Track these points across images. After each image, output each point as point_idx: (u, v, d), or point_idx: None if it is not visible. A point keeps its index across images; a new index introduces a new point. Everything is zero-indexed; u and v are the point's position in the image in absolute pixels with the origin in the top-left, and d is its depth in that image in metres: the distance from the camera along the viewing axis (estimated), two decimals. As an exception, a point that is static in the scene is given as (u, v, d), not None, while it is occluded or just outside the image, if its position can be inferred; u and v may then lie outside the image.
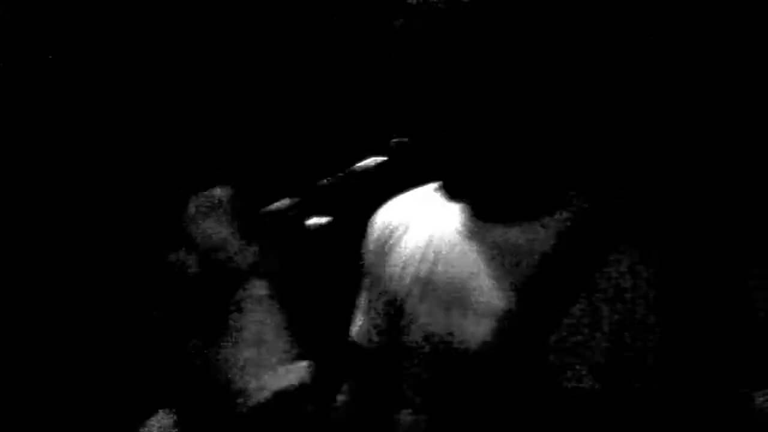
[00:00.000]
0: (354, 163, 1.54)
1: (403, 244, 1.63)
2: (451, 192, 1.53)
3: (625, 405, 1.42)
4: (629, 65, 2.33)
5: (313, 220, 1.43)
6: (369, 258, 1.69)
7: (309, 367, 1.61)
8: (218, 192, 1.56)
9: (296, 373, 1.58)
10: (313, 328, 1.73)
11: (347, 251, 1.76)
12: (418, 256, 1.61)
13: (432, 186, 1.61)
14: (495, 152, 1.45)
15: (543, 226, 1.50)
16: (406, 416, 1.59)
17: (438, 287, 1.55)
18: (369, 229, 1.70)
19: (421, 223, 1.62)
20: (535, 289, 1.47)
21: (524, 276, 1.48)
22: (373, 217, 1.70)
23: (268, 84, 2.75)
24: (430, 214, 1.61)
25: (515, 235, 1.50)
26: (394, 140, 1.56)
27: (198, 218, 1.53)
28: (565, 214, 1.51)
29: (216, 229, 1.56)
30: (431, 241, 1.59)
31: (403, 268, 1.61)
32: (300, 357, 1.64)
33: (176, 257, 1.55)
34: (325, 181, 1.50)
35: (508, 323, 1.48)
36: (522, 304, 1.48)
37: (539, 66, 1.43)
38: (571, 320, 1.44)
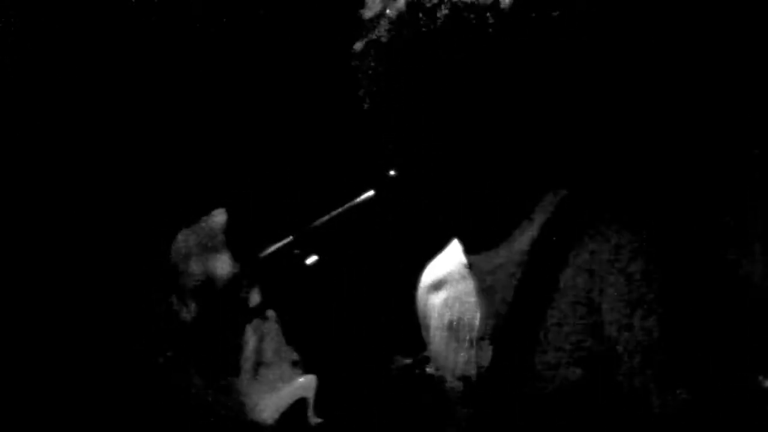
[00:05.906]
0: (349, 199, 1.59)
1: (434, 299, 1.80)
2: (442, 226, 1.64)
3: (612, 398, 1.52)
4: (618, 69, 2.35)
5: (312, 259, 1.50)
6: (419, 308, 1.86)
7: (311, 382, 1.65)
8: (214, 223, 1.58)
9: (299, 388, 1.62)
10: (315, 353, 1.82)
11: (345, 284, 1.86)
12: (447, 306, 1.74)
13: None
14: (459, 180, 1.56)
15: (514, 241, 1.59)
16: None
17: (459, 323, 1.68)
18: (418, 285, 1.87)
19: (452, 276, 1.74)
20: (512, 311, 1.58)
21: (501, 299, 1.60)
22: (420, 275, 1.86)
23: (260, 122, 2.78)
24: (455, 263, 1.73)
25: (490, 260, 1.61)
26: (389, 174, 1.62)
27: (194, 254, 1.55)
28: (535, 222, 1.59)
29: (216, 268, 1.58)
30: (455, 287, 1.71)
31: (438, 317, 1.76)
32: (303, 374, 1.72)
33: (171, 299, 1.58)
34: (323, 218, 1.55)
35: (495, 348, 1.60)
36: (500, 329, 1.59)
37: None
38: (552, 320, 1.53)
